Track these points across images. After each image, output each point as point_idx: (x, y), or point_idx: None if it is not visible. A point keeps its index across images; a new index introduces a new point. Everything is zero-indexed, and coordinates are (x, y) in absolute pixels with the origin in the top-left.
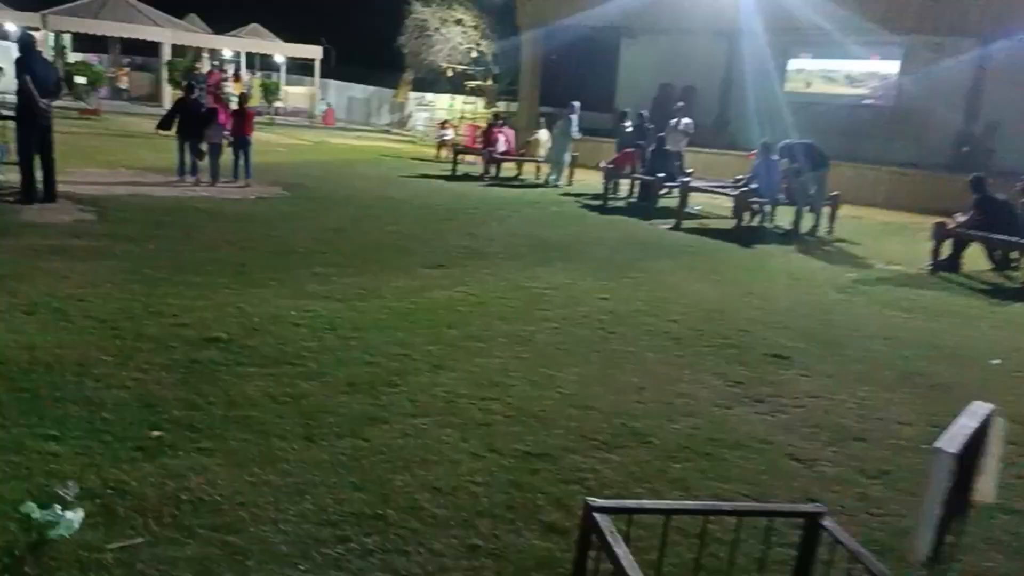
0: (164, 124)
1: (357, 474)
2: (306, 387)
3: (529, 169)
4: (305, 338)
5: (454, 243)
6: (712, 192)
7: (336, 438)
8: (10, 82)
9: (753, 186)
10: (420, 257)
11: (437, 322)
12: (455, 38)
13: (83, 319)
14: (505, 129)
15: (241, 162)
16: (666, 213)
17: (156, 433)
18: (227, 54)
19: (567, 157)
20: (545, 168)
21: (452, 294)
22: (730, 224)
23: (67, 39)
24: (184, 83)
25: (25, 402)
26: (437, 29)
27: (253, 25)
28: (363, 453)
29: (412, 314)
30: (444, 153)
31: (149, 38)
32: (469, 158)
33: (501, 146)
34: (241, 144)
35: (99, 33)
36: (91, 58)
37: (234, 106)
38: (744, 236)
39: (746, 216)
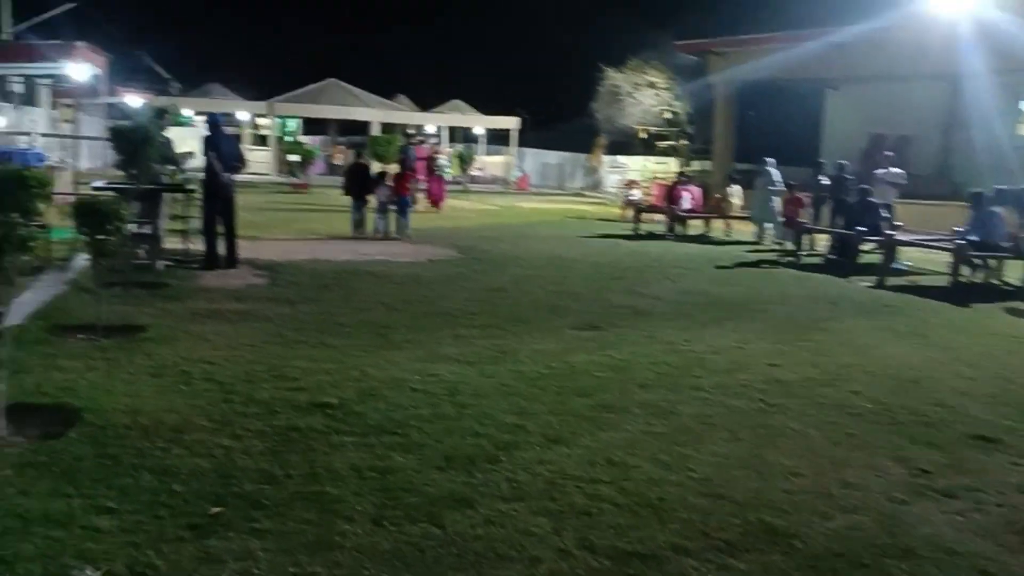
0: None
1: (416, 569)
2: (399, 461)
3: (718, 227)
4: (419, 404)
5: (616, 303)
6: (924, 246)
7: (409, 523)
8: (199, 161)
9: (972, 238)
10: (574, 318)
11: (567, 389)
12: (647, 100)
13: (203, 382)
14: (690, 187)
15: (405, 219)
16: (869, 270)
17: (216, 509)
18: (430, 129)
19: (773, 212)
20: (740, 225)
21: (596, 358)
22: (945, 281)
23: (296, 123)
24: (399, 155)
25: (102, 469)
26: (630, 93)
27: (454, 101)
28: (432, 543)
29: (543, 379)
30: (630, 213)
31: (360, 118)
32: (657, 217)
33: (686, 203)
34: (403, 203)
35: (317, 116)
36: (313, 140)
37: (447, 176)
38: (960, 294)
39: (965, 272)
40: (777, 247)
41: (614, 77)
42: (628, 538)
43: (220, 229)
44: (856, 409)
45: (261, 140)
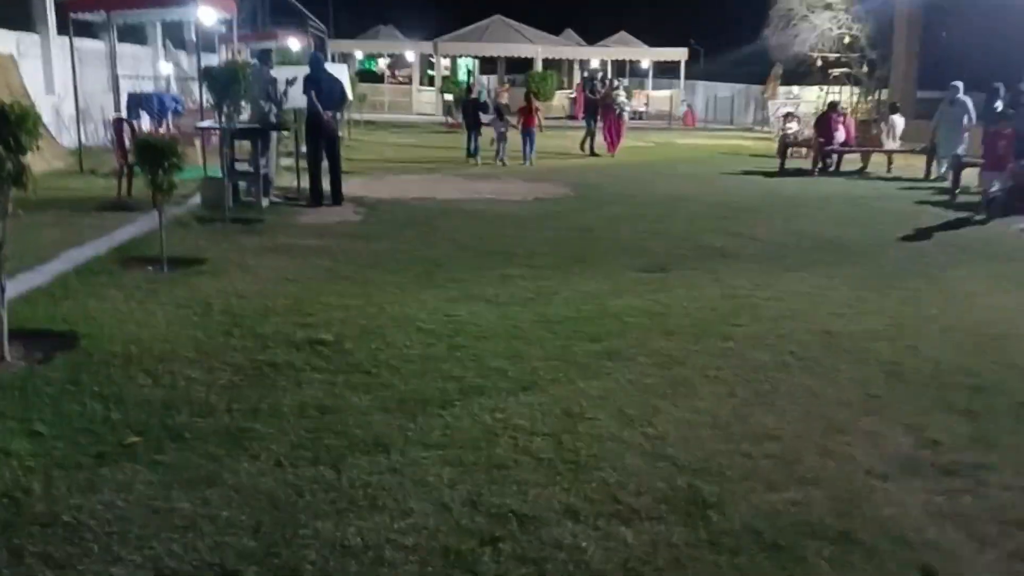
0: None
1: (278, 514)
2: (351, 401)
3: (880, 161)
4: (414, 344)
5: (706, 243)
6: None
7: (309, 465)
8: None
9: None
10: (648, 259)
11: (581, 334)
12: (823, 24)
13: (219, 315)
14: (846, 118)
15: (527, 148)
16: None
17: (133, 439)
18: (594, 63)
19: (958, 147)
20: (909, 160)
21: (639, 301)
22: None
23: (472, 63)
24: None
25: (59, 394)
26: (804, 17)
27: (620, 34)
28: (317, 487)
29: (563, 323)
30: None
31: (523, 55)
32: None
33: (840, 136)
34: (527, 134)
35: (479, 54)
36: (486, 78)
37: (626, 114)
38: None
39: None
40: (941, 185)
41: (787, 0)
42: (525, 497)
43: (325, 165)
44: (902, 368)
45: (430, 80)
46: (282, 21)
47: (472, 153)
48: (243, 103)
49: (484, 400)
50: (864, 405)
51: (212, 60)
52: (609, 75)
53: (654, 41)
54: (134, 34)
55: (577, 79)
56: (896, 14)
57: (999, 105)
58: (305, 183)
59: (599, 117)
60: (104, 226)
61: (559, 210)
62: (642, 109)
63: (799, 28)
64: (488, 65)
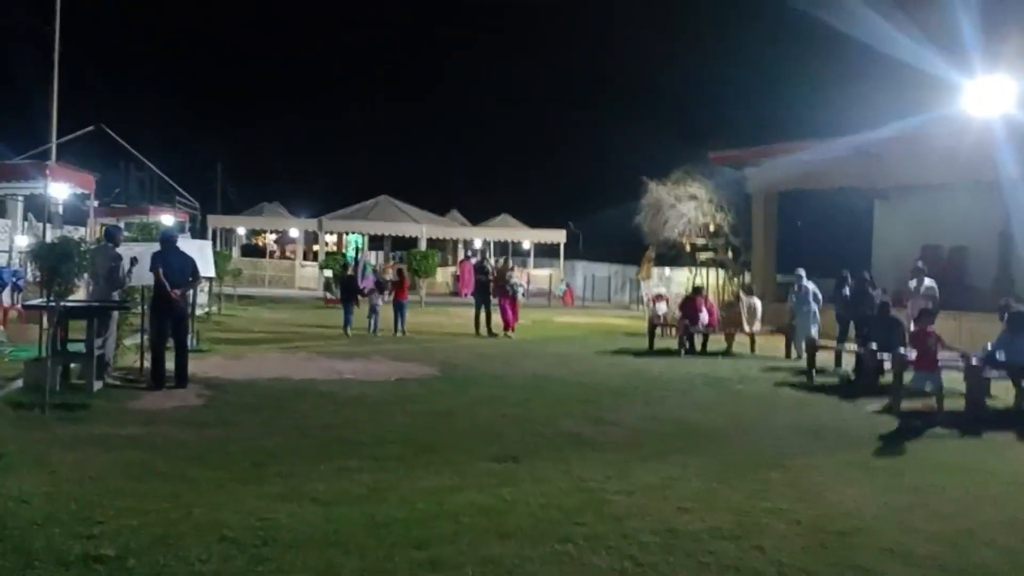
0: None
1: None
2: None
3: (744, 341)
4: (211, 558)
5: (563, 429)
6: (944, 367)
7: None
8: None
9: (999, 358)
10: (500, 447)
11: (407, 540)
12: (689, 212)
13: None
14: (707, 300)
15: (398, 320)
16: (888, 391)
17: None
18: (478, 243)
19: (811, 329)
20: (761, 339)
21: (481, 498)
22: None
23: (358, 239)
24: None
25: None
26: (672, 205)
27: (503, 216)
28: None
29: (390, 526)
30: (658, 329)
31: (408, 234)
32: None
33: (704, 318)
34: (398, 307)
35: (365, 231)
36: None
37: (520, 294)
38: (979, 422)
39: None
40: (797, 364)
41: (656, 190)
42: None
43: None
44: (743, 572)
45: (314, 256)
46: (158, 198)
47: (345, 325)
48: (78, 280)
49: None
50: None
51: (81, 233)
52: (492, 255)
53: (535, 222)
54: None
55: (460, 256)
56: (753, 204)
57: (847, 291)
58: (149, 363)
59: (493, 296)
60: None
61: (420, 392)
62: (522, 286)
63: (668, 215)
64: (376, 242)
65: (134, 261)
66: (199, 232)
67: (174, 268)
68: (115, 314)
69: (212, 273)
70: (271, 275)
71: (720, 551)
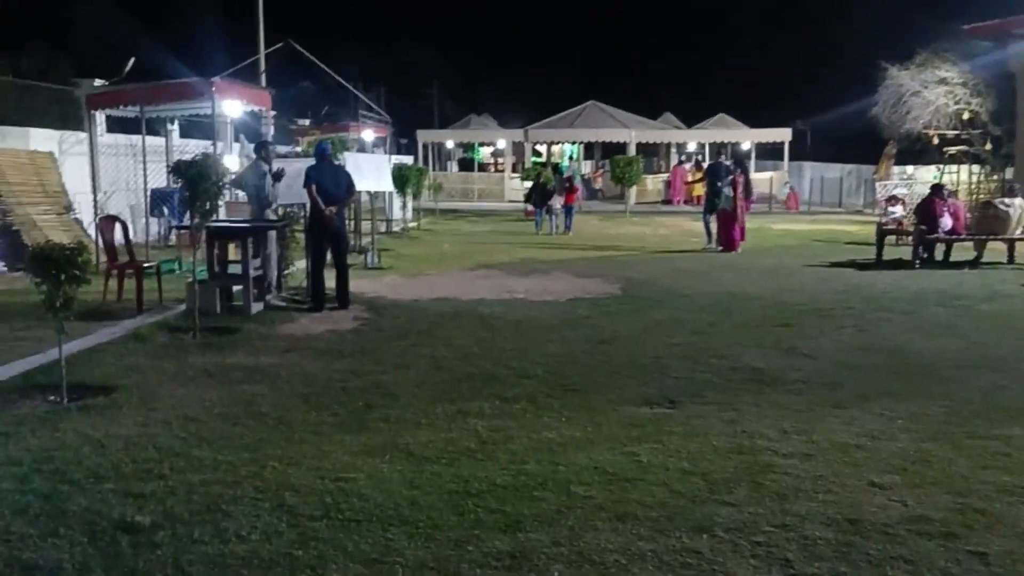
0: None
1: None
2: None
3: (1000, 250)
4: (255, 532)
5: (744, 363)
6: None
7: None
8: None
9: None
10: (657, 387)
11: (496, 517)
12: (938, 100)
13: (43, 479)
14: (953, 201)
15: (568, 221)
16: None
17: None
18: (691, 147)
19: None
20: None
21: (614, 457)
22: None
23: (575, 149)
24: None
25: None
26: (917, 93)
27: (719, 116)
28: None
29: (485, 496)
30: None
31: (616, 140)
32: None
33: (946, 223)
34: (567, 211)
35: (570, 139)
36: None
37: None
38: None
39: None
40: None
41: (898, 76)
42: None
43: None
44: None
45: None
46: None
47: (536, 226)
48: (220, 200)
49: None
50: None
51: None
52: (705, 159)
53: (756, 122)
54: (202, 129)
55: (674, 162)
56: (1018, 85)
57: None
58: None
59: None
60: (47, 338)
61: (589, 314)
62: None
63: (911, 104)
64: (589, 150)
65: (278, 177)
66: (405, 148)
67: (328, 184)
68: (272, 233)
69: (390, 188)
70: (480, 188)
71: (921, 559)
